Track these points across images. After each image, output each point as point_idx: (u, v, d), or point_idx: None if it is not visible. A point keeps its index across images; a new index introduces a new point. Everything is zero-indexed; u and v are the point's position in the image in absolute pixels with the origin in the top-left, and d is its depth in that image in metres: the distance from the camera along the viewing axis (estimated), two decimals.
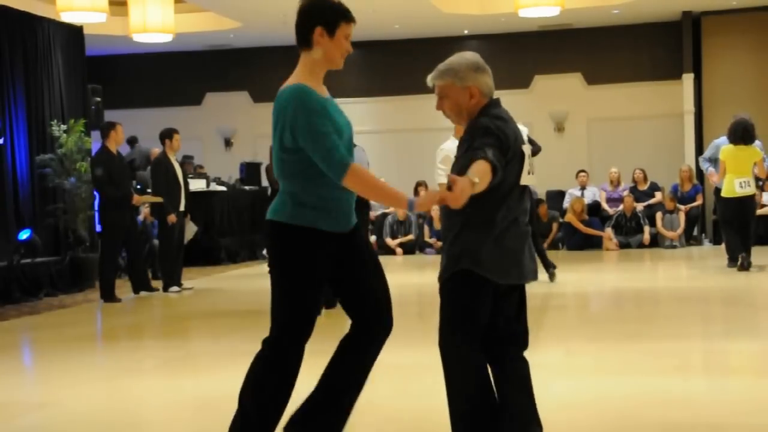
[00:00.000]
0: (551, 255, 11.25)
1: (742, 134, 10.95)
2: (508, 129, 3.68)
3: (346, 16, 3.74)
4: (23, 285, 10.81)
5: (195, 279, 12.48)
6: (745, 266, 10.81)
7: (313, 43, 3.71)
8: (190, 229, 11.89)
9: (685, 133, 17.19)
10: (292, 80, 3.72)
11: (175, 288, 11.09)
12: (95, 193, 12.00)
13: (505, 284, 3.69)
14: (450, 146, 7.68)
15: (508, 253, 3.67)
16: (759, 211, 12.63)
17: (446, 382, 3.72)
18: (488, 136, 3.62)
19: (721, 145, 11.39)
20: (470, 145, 3.66)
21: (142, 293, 10.86)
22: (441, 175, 7.83)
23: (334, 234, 3.70)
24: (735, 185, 10.94)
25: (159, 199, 10.97)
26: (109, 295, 10.48)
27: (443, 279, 3.72)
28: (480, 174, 3.46)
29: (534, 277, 3.79)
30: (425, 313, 8.73)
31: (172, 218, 10.89)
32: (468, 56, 3.82)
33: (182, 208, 11.16)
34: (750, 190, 11.03)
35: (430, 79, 3.87)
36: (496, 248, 3.64)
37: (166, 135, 11.12)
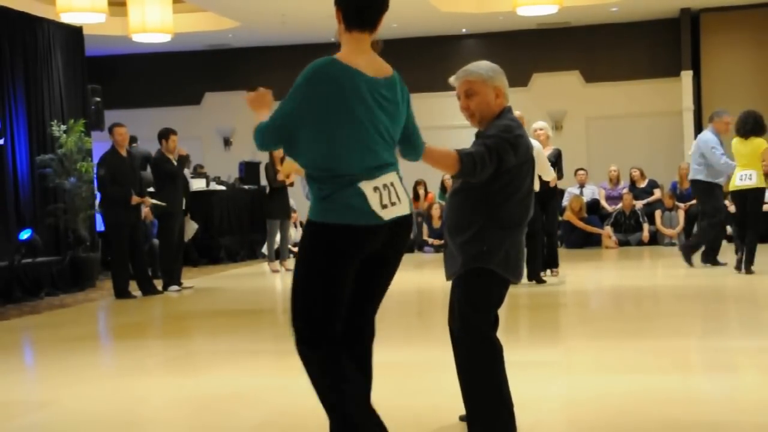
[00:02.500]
0: None
1: (752, 126, 10.37)
2: (522, 131, 3.86)
3: None
4: (24, 285, 10.83)
5: (195, 278, 12.51)
6: (739, 267, 10.39)
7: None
8: (191, 228, 11.90)
9: (684, 130, 17.20)
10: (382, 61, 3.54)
11: (175, 287, 11.12)
12: (97, 194, 12.00)
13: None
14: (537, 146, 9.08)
15: (520, 255, 3.89)
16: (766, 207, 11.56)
17: (467, 362, 3.82)
18: (502, 135, 3.74)
19: (708, 140, 10.78)
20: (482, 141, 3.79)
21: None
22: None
23: None
24: (736, 178, 10.52)
25: (161, 204, 10.93)
26: (121, 293, 10.55)
27: (462, 272, 3.82)
28: (438, 153, 3.72)
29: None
30: (424, 311, 8.74)
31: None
32: (486, 62, 3.98)
33: (182, 207, 11.19)
34: (750, 183, 10.38)
35: (457, 78, 3.92)
36: (513, 249, 3.84)
37: (163, 135, 11.16)
